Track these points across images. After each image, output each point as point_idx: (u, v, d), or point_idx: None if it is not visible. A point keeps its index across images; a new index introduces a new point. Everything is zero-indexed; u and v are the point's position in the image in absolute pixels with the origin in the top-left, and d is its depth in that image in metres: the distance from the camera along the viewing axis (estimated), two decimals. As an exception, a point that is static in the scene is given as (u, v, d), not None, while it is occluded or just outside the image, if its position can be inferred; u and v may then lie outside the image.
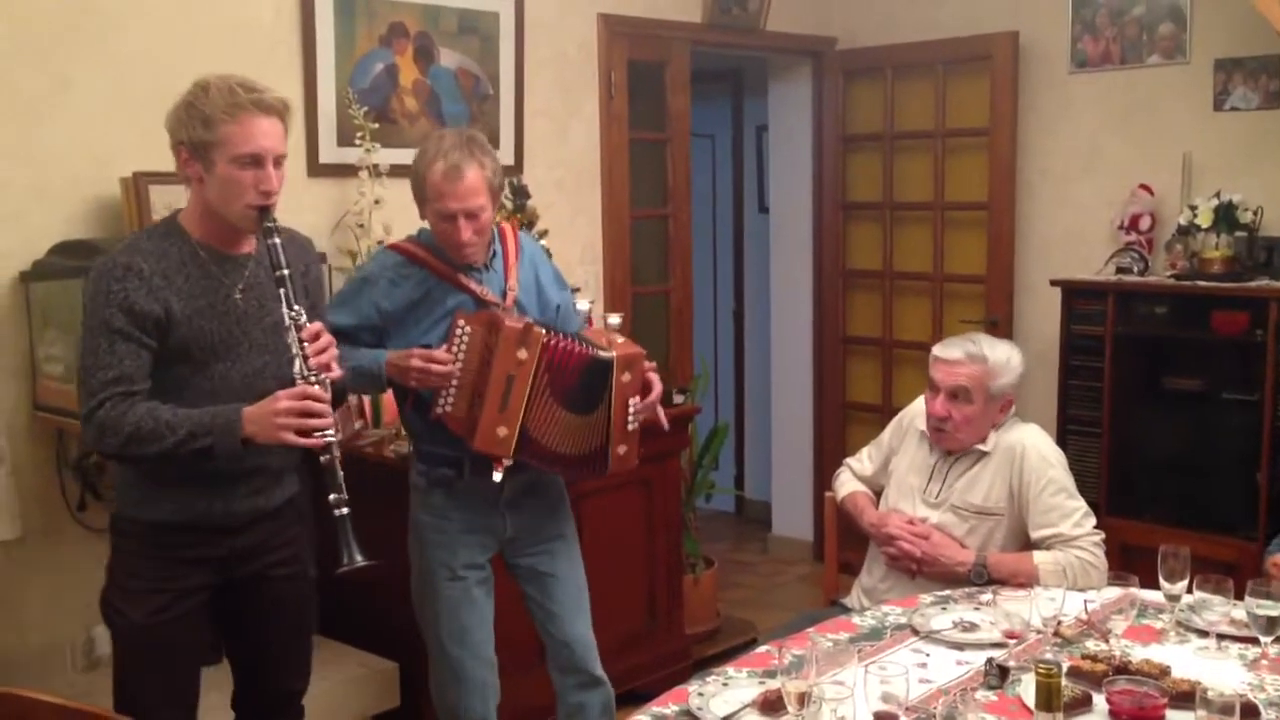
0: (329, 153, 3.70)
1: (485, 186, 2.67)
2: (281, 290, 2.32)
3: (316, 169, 3.70)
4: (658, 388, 2.82)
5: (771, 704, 2.06)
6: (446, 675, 2.86)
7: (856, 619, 2.60)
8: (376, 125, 3.69)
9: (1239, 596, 2.41)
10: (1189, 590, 2.43)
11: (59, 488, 3.22)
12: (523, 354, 2.64)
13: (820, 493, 4.87)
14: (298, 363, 2.29)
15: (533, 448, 2.70)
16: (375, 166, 3.64)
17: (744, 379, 6.54)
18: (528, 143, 4.27)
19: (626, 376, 2.74)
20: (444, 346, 2.66)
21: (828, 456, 5.40)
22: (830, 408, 5.56)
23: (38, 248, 3.12)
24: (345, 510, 2.33)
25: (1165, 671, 2.15)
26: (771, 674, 2.20)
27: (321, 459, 2.31)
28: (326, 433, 2.29)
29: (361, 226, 3.63)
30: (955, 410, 2.92)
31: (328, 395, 2.32)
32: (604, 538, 3.83)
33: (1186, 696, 2.02)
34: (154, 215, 3.17)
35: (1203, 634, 2.39)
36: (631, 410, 2.75)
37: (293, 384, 2.29)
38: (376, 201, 3.63)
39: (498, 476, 2.69)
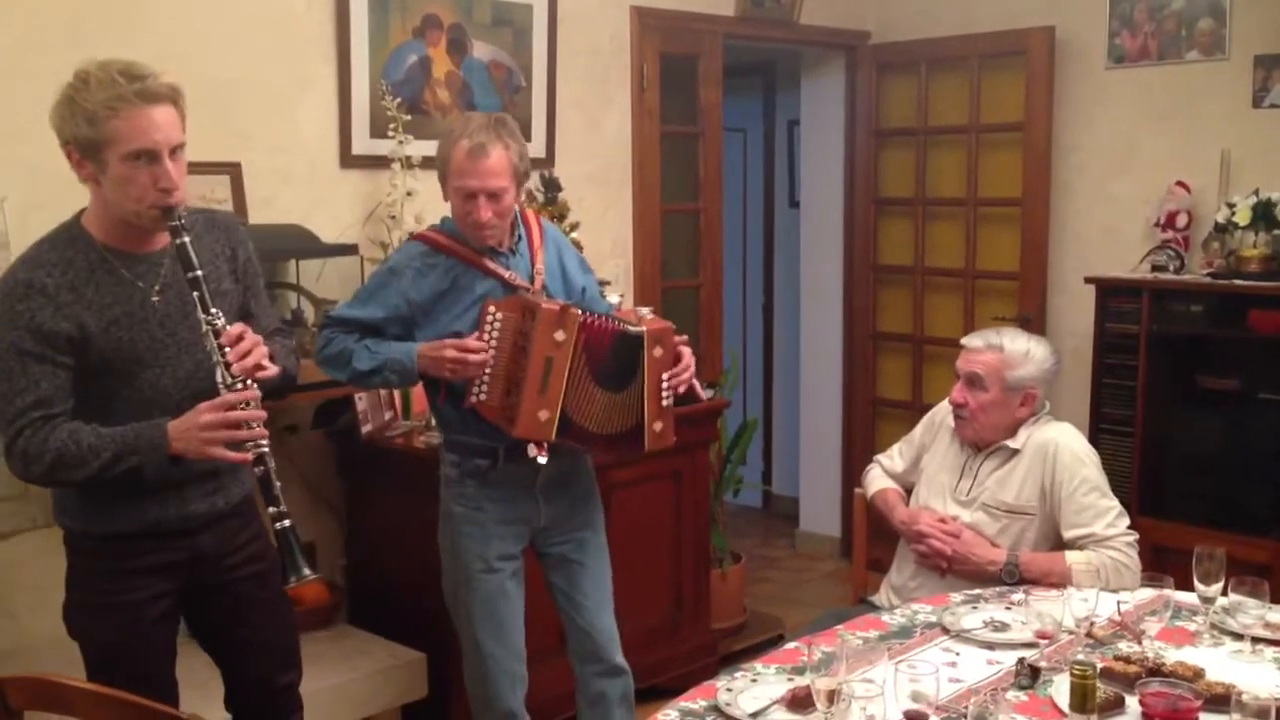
0: (361, 144, 3.72)
1: (509, 169, 2.67)
2: (195, 294, 2.15)
3: (349, 160, 3.71)
4: (689, 358, 2.80)
5: (800, 701, 2.05)
6: (479, 667, 2.86)
7: (886, 617, 2.59)
8: (409, 117, 3.70)
9: (1275, 599, 2.39)
10: (1224, 592, 2.41)
11: (92, 475, 3.24)
12: (560, 335, 2.64)
13: (848, 489, 4.86)
14: (219, 371, 2.14)
15: (572, 430, 2.70)
16: (408, 158, 3.64)
17: (773, 374, 6.52)
18: (559, 135, 4.27)
19: (658, 351, 2.73)
20: (475, 335, 2.65)
21: (856, 453, 5.38)
22: (860, 404, 5.53)
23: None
24: (288, 523, 2.18)
25: (1199, 674, 2.13)
26: (800, 671, 2.19)
27: (255, 470, 2.17)
28: (260, 443, 2.16)
29: (393, 218, 3.64)
30: (971, 397, 2.92)
31: (257, 400, 2.17)
32: (632, 530, 3.83)
33: (1221, 700, 2.00)
34: (186, 205, 3.18)
35: (1237, 637, 2.36)
36: (665, 385, 2.74)
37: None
38: (409, 193, 3.63)
39: (542, 459, 2.68)
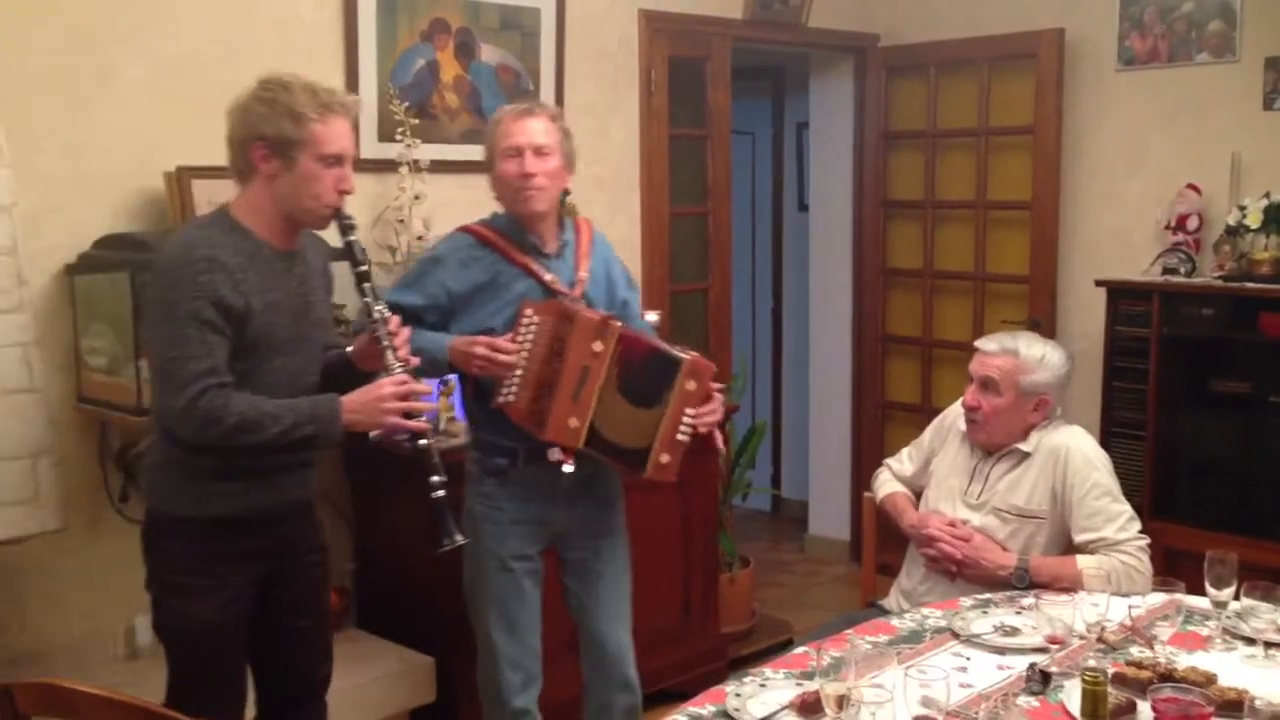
0: (370, 148, 3.70)
1: (556, 137, 2.73)
2: (366, 285, 2.40)
3: (357, 164, 3.65)
4: (719, 404, 2.76)
5: (809, 706, 2.04)
6: (492, 664, 2.86)
7: (895, 621, 2.58)
8: (417, 121, 3.70)
9: (1288, 604, 2.38)
10: (1236, 597, 2.39)
11: (102, 480, 3.25)
12: (599, 346, 2.64)
13: (858, 493, 4.85)
14: (389, 354, 2.36)
15: (597, 439, 2.70)
16: (416, 162, 3.65)
17: (781, 378, 6.51)
18: (568, 139, 4.26)
19: (691, 384, 2.70)
20: (509, 335, 2.65)
21: (865, 456, 5.36)
22: (869, 407, 5.52)
23: (82, 241, 3.15)
24: (443, 493, 2.39)
25: (1211, 679, 2.11)
26: (809, 676, 2.18)
27: (420, 443, 2.38)
28: (425, 417, 2.38)
29: (401, 222, 3.64)
30: (984, 401, 2.91)
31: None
32: (640, 534, 3.79)
33: (1234, 705, 1.99)
34: (196, 209, 3.19)
35: (1250, 642, 2.35)
36: (687, 420, 2.70)
37: (357, 378, 2.43)
38: (416, 197, 3.64)
39: (568, 468, 2.69)
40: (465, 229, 2.83)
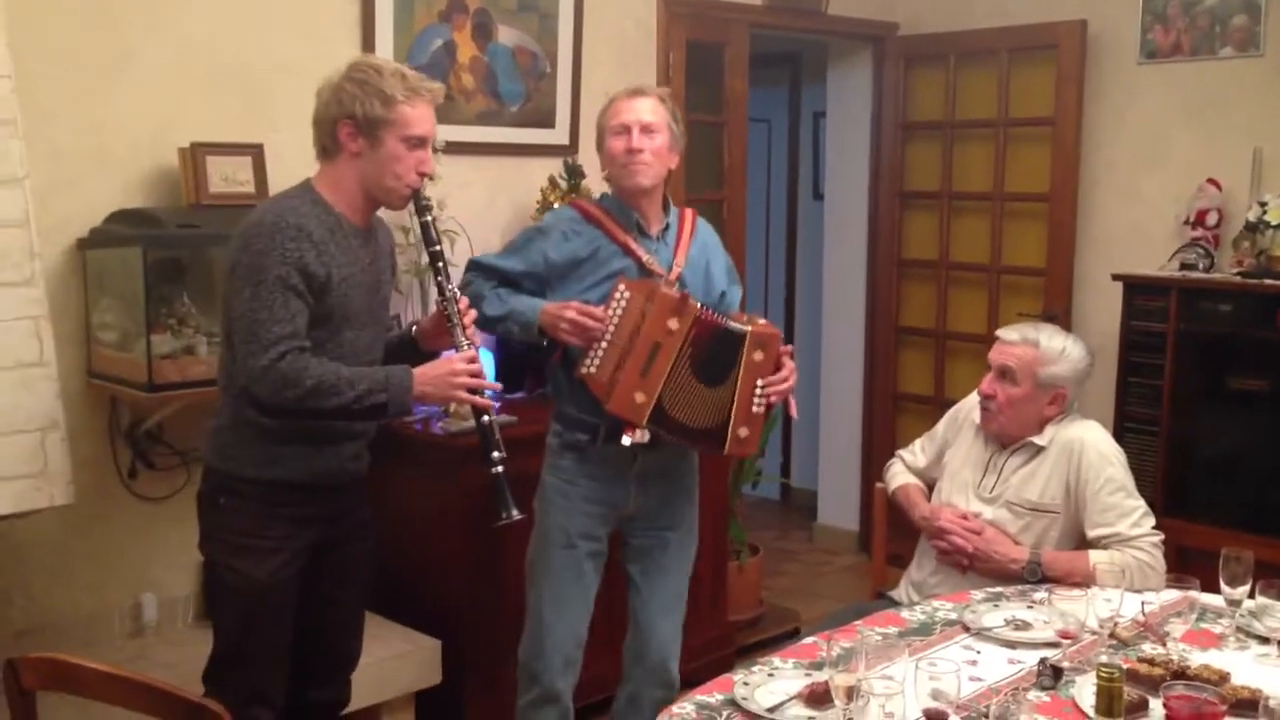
0: (385, 128, 3.69)
1: (664, 116, 2.78)
2: (440, 264, 2.48)
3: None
4: (791, 370, 2.79)
5: (818, 696, 2.02)
6: (536, 639, 2.87)
7: (905, 613, 2.56)
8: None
9: (1303, 603, 2.35)
10: (1250, 595, 2.37)
11: (111, 455, 3.25)
12: (674, 324, 2.66)
13: (868, 483, 4.83)
14: (457, 332, 2.45)
15: (664, 419, 2.69)
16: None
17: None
18: (584, 122, 4.23)
19: (759, 355, 2.72)
20: (601, 307, 2.68)
21: (877, 447, 5.35)
22: (881, 398, 5.50)
23: (95, 215, 3.14)
24: (502, 468, 2.44)
25: (1225, 678, 2.09)
26: (818, 666, 2.17)
27: (484, 419, 2.44)
28: (488, 392, 2.46)
29: (435, 213, 3.62)
30: (1001, 390, 2.89)
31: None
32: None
33: (1247, 704, 1.97)
34: (210, 186, 3.18)
35: (1264, 640, 2.32)
36: (759, 391, 2.72)
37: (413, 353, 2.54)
38: (431, 178, 3.60)
39: (627, 441, 2.70)
40: (574, 203, 2.93)
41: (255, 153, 3.29)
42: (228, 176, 3.23)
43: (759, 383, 2.72)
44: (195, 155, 3.19)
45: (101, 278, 3.14)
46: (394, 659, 3.31)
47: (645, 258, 2.78)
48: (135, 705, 1.83)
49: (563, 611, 2.84)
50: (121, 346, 3.10)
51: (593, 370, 2.68)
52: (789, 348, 2.81)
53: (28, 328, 2.79)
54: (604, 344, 2.67)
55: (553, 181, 3.94)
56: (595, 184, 4.05)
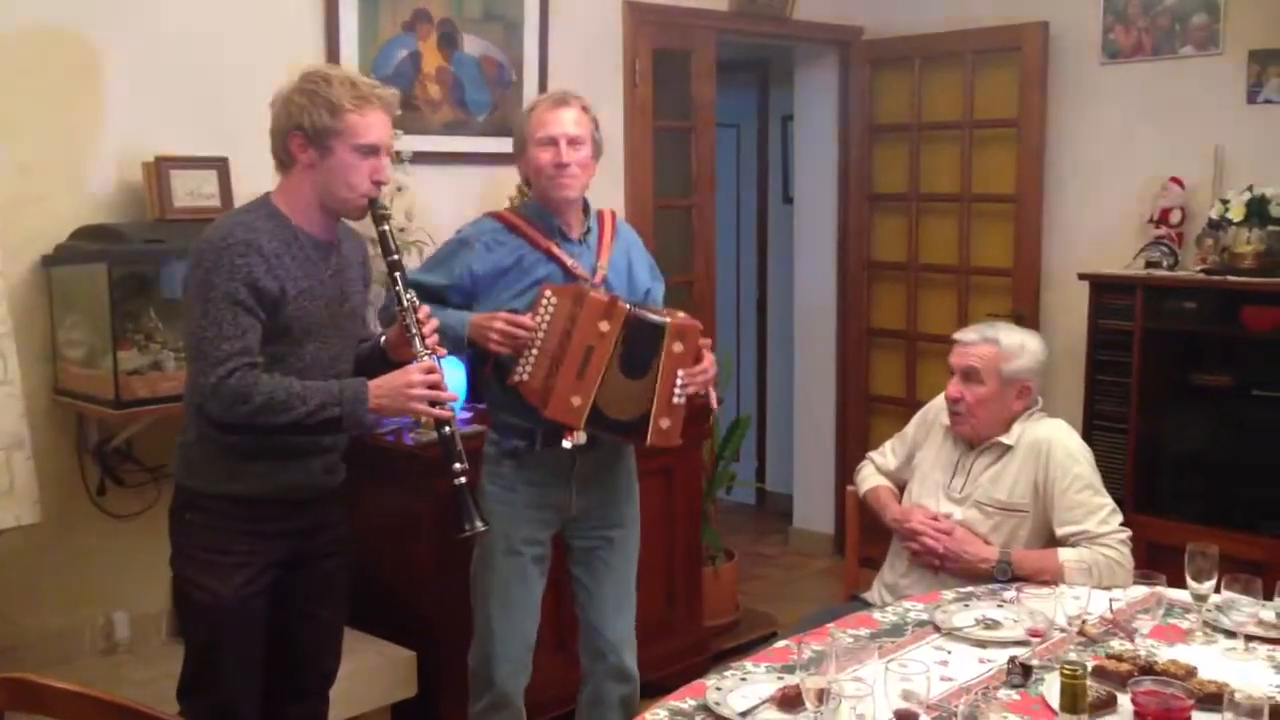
0: (351, 139, 3.69)
1: (588, 127, 2.81)
2: (397, 274, 2.44)
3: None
4: (710, 362, 2.81)
5: (790, 700, 2.03)
6: (485, 646, 2.87)
7: (878, 614, 2.57)
8: (399, 112, 3.66)
9: (1268, 596, 2.38)
10: (1217, 590, 2.40)
11: (79, 473, 3.23)
12: (605, 326, 2.68)
13: (842, 486, 4.84)
14: (416, 341, 2.41)
15: (600, 419, 2.72)
16: (398, 153, 3.61)
17: (766, 371, 6.51)
18: (551, 131, 4.24)
19: (678, 346, 2.74)
20: (529, 315, 2.69)
21: (850, 449, 5.36)
22: (853, 400, 5.52)
23: (60, 232, 3.12)
24: (464, 480, 2.41)
25: (1192, 672, 2.11)
26: (790, 669, 2.18)
27: (444, 430, 2.41)
28: (450, 404, 2.41)
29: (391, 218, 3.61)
30: (968, 392, 2.91)
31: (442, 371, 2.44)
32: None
33: (1214, 698, 1.98)
34: (174, 201, 3.17)
35: (1230, 634, 2.35)
36: (679, 382, 2.74)
37: (389, 364, 2.50)
38: (399, 188, 3.61)
39: (567, 444, 2.72)
40: (493, 214, 2.91)
41: (220, 166, 3.28)
42: (193, 190, 3.21)
43: (679, 374, 2.74)
44: (160, 169, 3.18)
45: (67, 294, 3.12)
46: (369, 671, 3.30)
47: (569, 262, 2.79)
48: (105, 724, 1.82)
49: (510, 617, 2.85)
50: (88, 363, 3.09)
51: (525, 377, 2.69)
52: (708, 340, 2.83)
53: (-8, 346, 2.77)
54: (534, 351, 2.68)
55: (521, 190, 3.93)
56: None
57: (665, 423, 2.75)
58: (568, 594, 3.05)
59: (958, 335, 3.02)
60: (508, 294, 2.76)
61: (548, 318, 2.68)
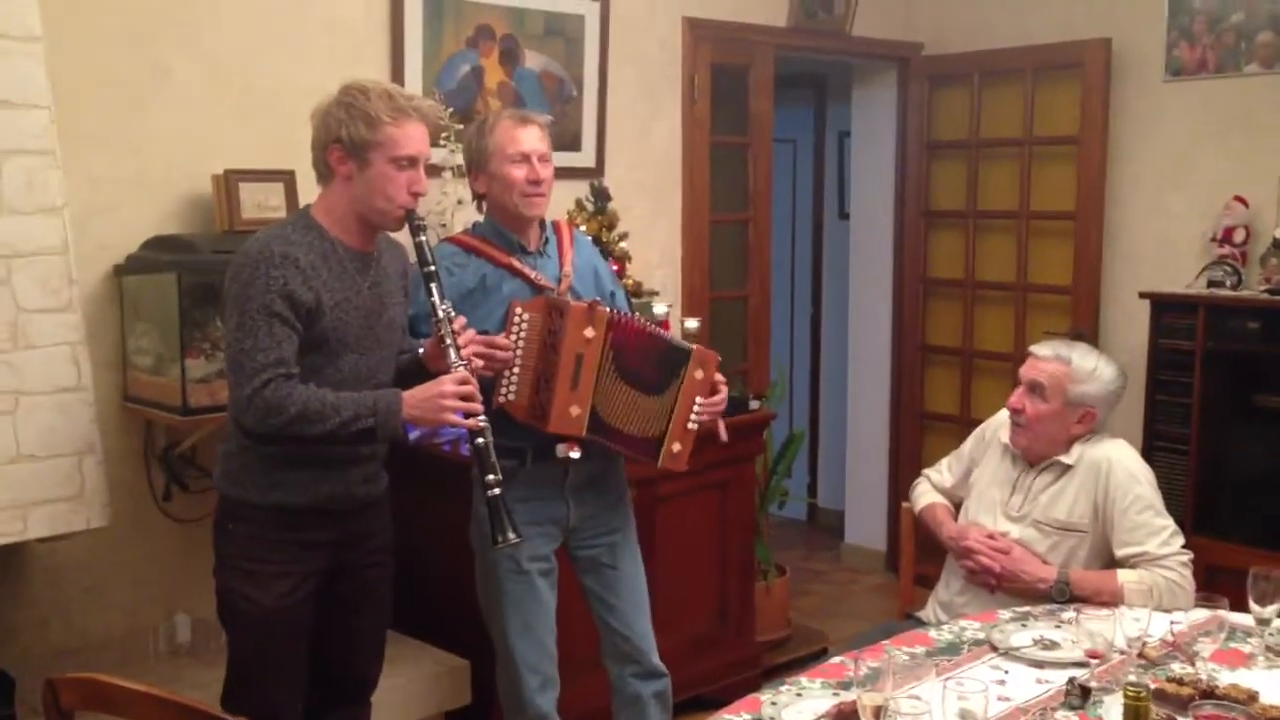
0: (414, 153, 3.74)
1: (550, 145, 2.81)
2: (433, 285, 2.45)
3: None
4: (723, 394, 2.85)
5: (846, 716, 2.03)
6: (512, 669, 2.88)
7: (933, 633, 2.57)
8: (461, 126, 3.72)
9: (1333, 623, 2.34)
10: (1280, 614, 2.37)
11: (146, 478, 3.29)
12: (590, 333, 2.69)
13: (895, 502, 4.83)
14: (451, 353, 2.41)
15: (601, 426, 2.74)
16: (459, 167, 3.66)
17: (820, 386, 6.50)
18: (609, 145, 4.28)
19: (699, 374, 2.78)
20: (503, 334, 2.69)
21: (903, 466, 5.34)
22: (907, 417, 5.49)
23: (131, 242, 3.20)
24: (498, 491, 2.42)
25: (1253, 697, 2.09)
26: (846, 685, 2.18)
27: (477, 441, 2.41)
28: (481, 416, 2.41)
29: (444, 226, 3.66)
30: (1030, 404, 2.89)
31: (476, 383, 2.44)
32: (677, 542, 3.82)
33: (1277, 724, 1.96)
34: (243, 212, 3.23)
35: (1294, 660, 2.32)
36: (695, 409, 2.77)
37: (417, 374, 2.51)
38: (459, 201, 3.65)
39: (574, 455, 2.73)
40: (449, 239, 2.91)
41: (287, 179, 3.34)
42: (260, 202, 3.28)
43: (697, 400, 2.77)
44: (228, 181, 3.25)
45: (137, 303, 3.19)
46: (424, 679, 3.33)
47: (532, 275, 2.79)
48: (171, 725, 1.85)
49: (530, 636, 2.85)
50: (156, 371, 3.15)
51: (510, 397, 2.69)
52: (721, 378, 2.85)
53: (65, 353, 2.84)
54: (515, 369, 2.68)
55: (579, 204, 3.97)
56: (621, 208, 4.09)
57: (677, 447, 2.78)
58: (576, 610, 3.03)
59: (1034, 348, 3.00)
60: (476, 315, 2.72)
61: (522, 334, 2.68)
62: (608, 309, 2.74)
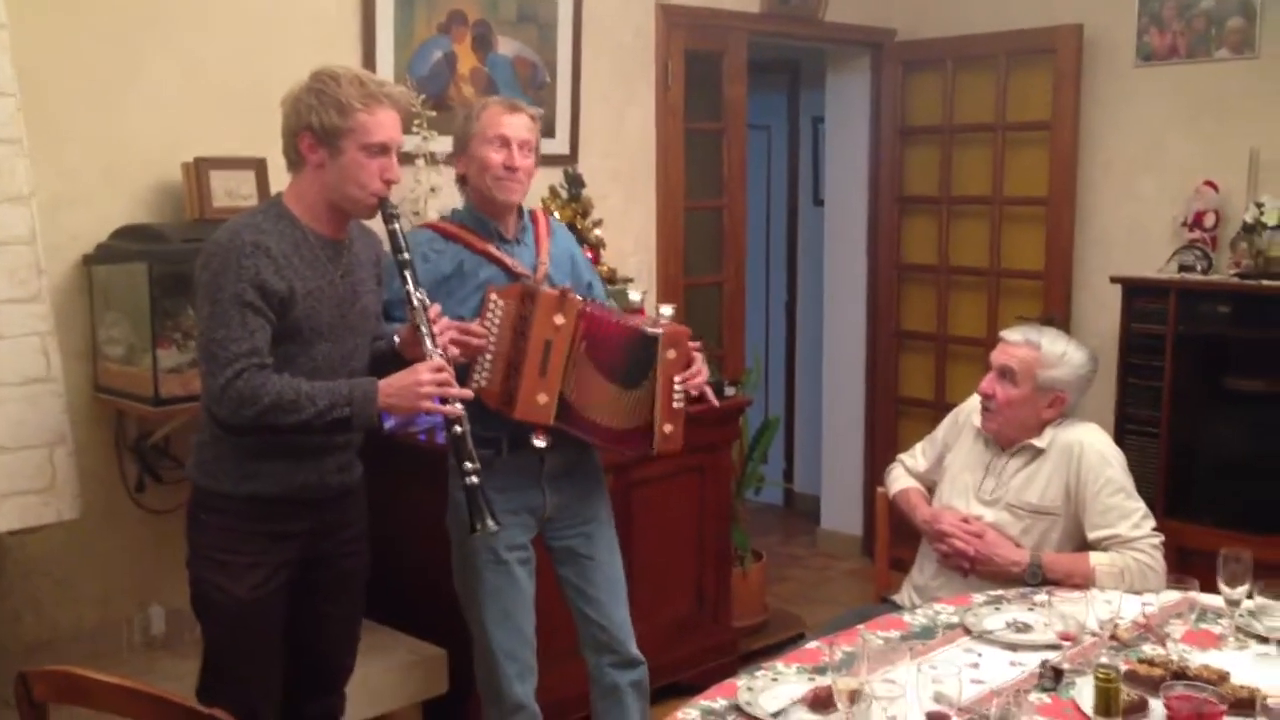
0: (386, 140, 3.72)
1: (536, 136, 2.81)
2: (407, 272, 2.44)
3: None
4: (701, 363, 2.84)
5: (821, 701, 2.04)
6: (490, 658, 2.88)
7: (907, 617, 2.58)
8: (434, 113, 3.70)
9: (1301, 603, 2.37)
10: (1250, 595, 2.39)
11: (118, 469, 3.27)
12: (559, 320, 2.68)
13: (870, 487, 4.84)
14: (427, 340, 2.41)
15: (574, 417, 2.73)
16: (432, 154, 3.65)
17: (795, 372, 6.51)
18: (583, 132, 4.27)
19: (672, 353, 2.77)
20: (477, 321, 2.69)
21: (878, 451, 5.36)
22: (882, 402, 5.52)
23: (101, 231, 3.17)
24: (477, 480, 2.41)
25: (1224, 677, 2.11)
26: (822, 670, 2.19)
27: (454, 429, 2.40)
28: (458, 404, 2.40)
29: (417, 214, 3.65)
30: (1000, 389, 2.91)
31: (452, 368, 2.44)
32: (653, 528, 3.83)
33: (1246, 704, 1.98)
34: (214, 200, 3.21)
35: (1263, 640, 2.34)
36: (677, 387, 2.77)
37: (395, 363, 2.49)
38: (432, 189, 3.64)
39: (540, 443, 2.73)
40: (426, 225, 2.91)
41: (258, 166, 3.32)
42: (231, 190, 3.25)
43: (676, 379, 2.77)
44: (199, 170, 3.22)
45: (107, 293, 3.16)
46: (400, 669, 3.33)
47: (509, 262, 2.79)
48: (146, 716, 1.84)
49: (508, 624, 2.85)
50: (127, 361, 3.13)
51: (483, 384, 2.69)
52: (697, 343, 2.85)
53: (34, 344, 2.81)
54: (489, 355, 2.68)
55: (554, 191, 3.96)
56: (595, 195, 4.08)
57: (669, 428, 2.77)
58: (553, 602, 3.03)
59: (1004, 333, 3.02)
60: (452, 301, 2.73)
61: (497, 320, 2.68)
62: (580, 298, 2.74)
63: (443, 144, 3.65)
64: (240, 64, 3.41)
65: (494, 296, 2.70)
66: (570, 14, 4.15)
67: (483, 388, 2.69)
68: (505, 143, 2.74)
